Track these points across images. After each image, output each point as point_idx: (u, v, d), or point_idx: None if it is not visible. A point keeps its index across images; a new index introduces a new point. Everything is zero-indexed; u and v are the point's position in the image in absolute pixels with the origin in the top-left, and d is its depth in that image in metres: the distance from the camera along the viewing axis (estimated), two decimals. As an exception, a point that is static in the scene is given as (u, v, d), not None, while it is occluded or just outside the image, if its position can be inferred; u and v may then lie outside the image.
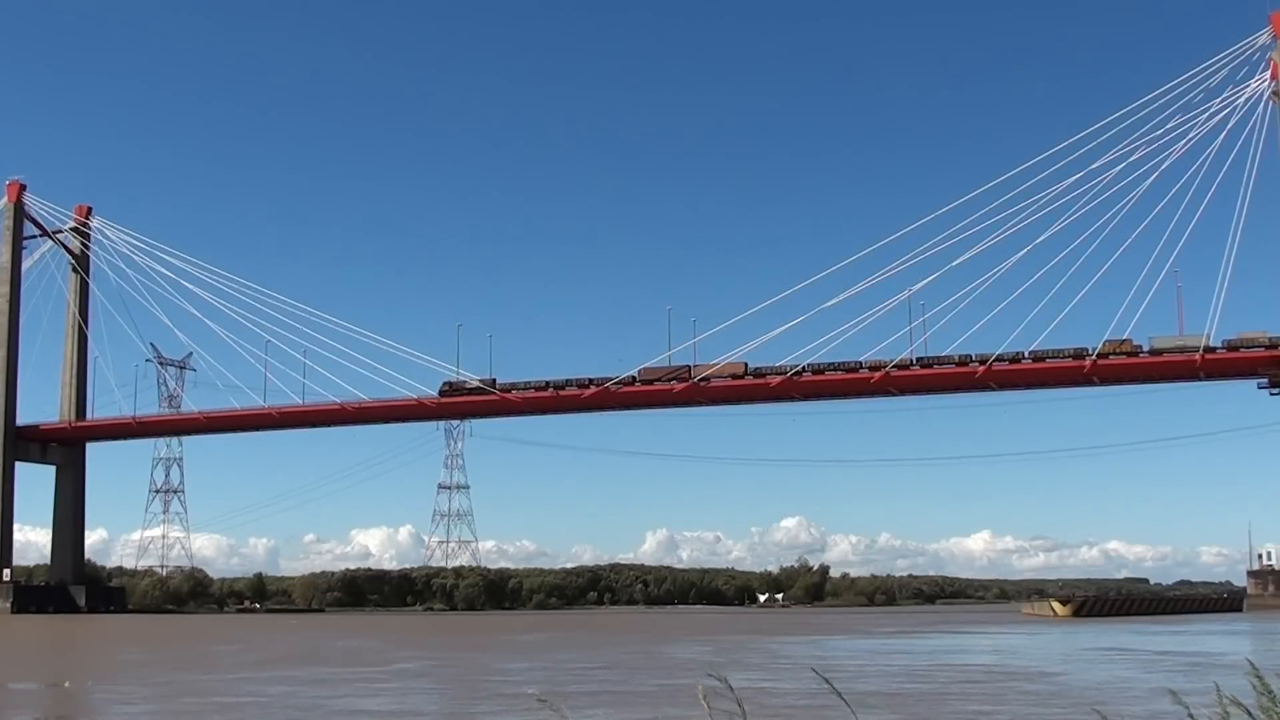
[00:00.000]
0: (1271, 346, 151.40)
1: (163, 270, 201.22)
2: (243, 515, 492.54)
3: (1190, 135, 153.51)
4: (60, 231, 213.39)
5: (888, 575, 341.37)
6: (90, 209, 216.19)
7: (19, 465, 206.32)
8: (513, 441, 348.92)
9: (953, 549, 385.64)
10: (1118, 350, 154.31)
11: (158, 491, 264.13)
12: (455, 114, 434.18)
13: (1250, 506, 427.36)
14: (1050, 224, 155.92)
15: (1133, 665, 66.02)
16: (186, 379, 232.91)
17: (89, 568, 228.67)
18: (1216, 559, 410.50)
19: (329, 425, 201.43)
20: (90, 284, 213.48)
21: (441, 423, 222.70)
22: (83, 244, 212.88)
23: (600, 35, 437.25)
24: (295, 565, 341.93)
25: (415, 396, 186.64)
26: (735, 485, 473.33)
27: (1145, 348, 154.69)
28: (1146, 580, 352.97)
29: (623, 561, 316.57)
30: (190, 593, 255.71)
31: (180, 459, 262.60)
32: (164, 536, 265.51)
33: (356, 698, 49.04)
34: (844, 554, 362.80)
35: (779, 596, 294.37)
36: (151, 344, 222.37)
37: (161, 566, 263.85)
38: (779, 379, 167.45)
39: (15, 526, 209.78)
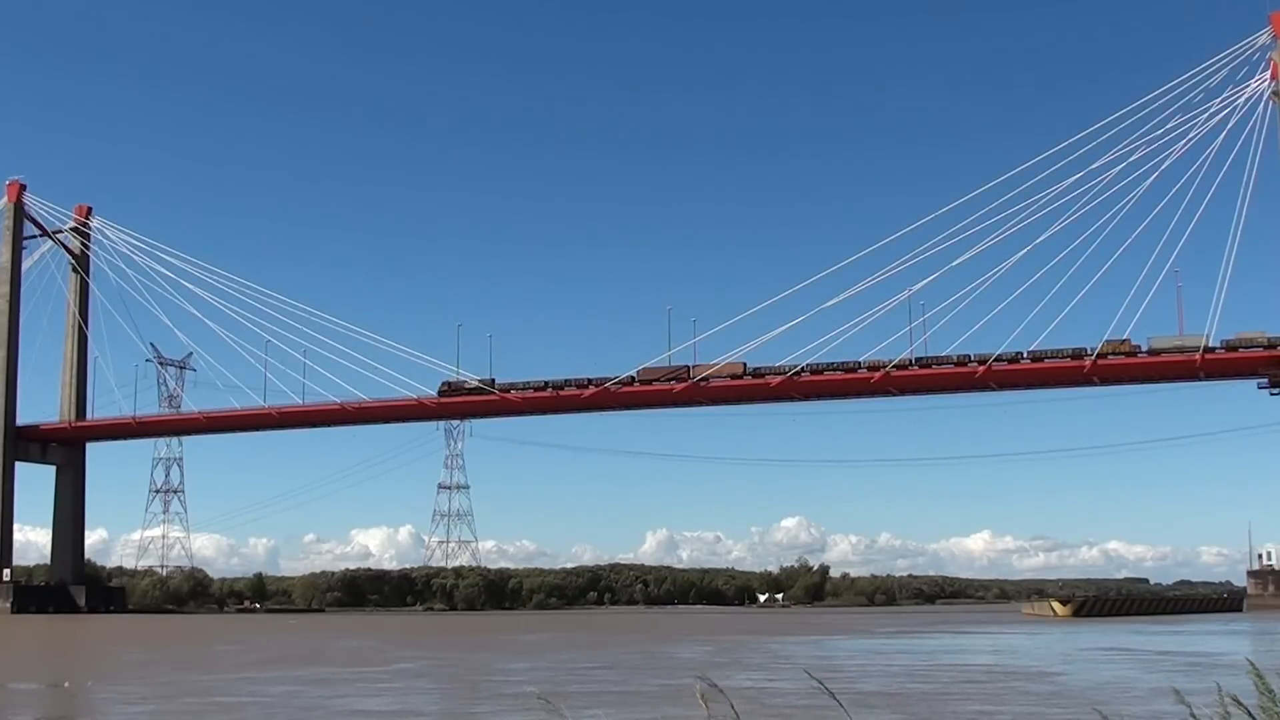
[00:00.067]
0: (1270, 346, 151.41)
1: (163, 270, 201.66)
2: (243, 515, 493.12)
3: (1190, 135, 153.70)
4: (60, 231, 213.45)
5: (888, 575, 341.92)
6: (90, 209, 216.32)
7: (19, 465, 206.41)
8: (513, 441, 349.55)
9: (953, 549, 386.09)
10: (1117, 350, 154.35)
11: (158, 491, 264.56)
12: (455, 114, 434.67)
13: (1250, 506, 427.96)
14: (1050, 224, 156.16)
15: (1133, 665, 66.04)
16: (186, 379, 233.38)
17: (89, 568, 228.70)
18: (1216, 559, 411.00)
19: (329, 425, 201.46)
20: (90, 284, 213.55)
21: (441, 423, 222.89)
22: (83, 244, 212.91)
23: (600, 35, 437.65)
24: (295, 565, 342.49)
25: (415, 396, 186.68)
26: (735, 485, 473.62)
27: (1144, 348, 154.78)
28: (1146, 580, 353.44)
29: (623, 561, 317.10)
30: (190, 593, 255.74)
31: (180, 459, 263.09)
32: (164, 536, 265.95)
33: (357, 697, 49.05)
34: (844, 554, 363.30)
35: (779, 596, 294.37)
36: (151, 344, 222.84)
37: (161, 566, 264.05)
38: (779, 379, 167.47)
39: (15, 526, 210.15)
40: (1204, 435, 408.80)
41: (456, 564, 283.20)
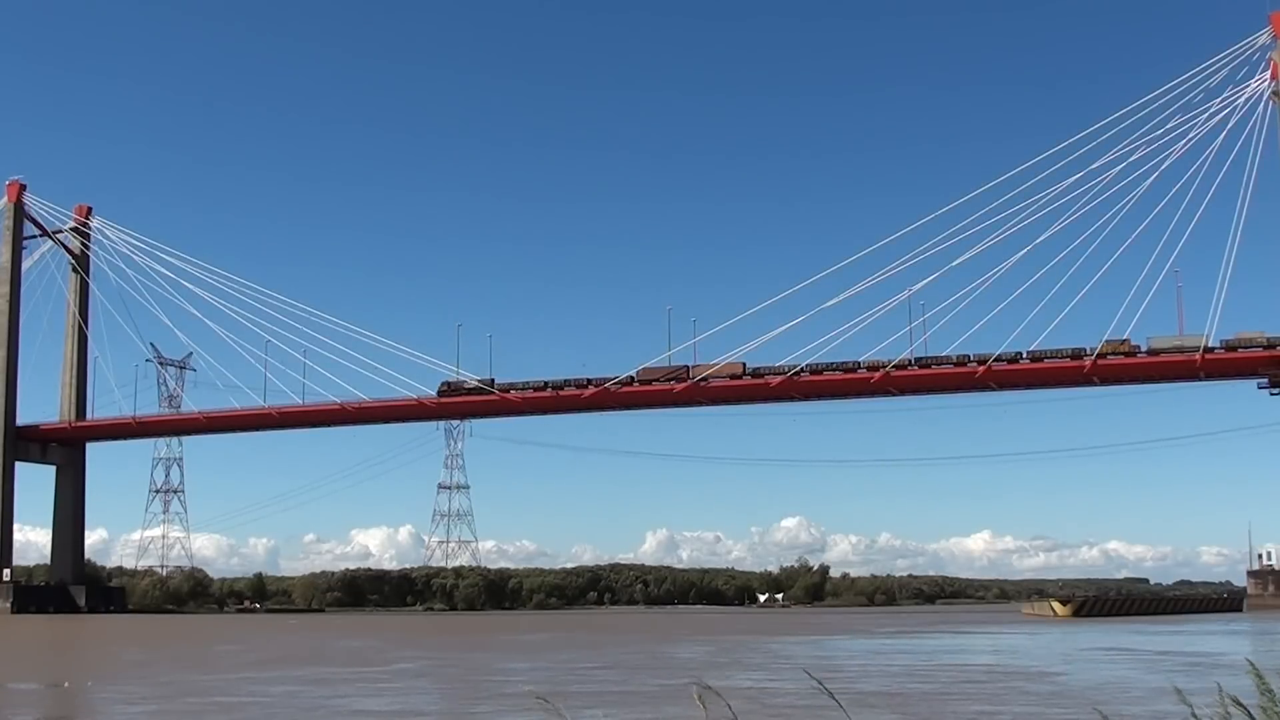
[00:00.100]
0: (1270, 347, 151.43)
1: (163, 270, 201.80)
2: (243, 515, 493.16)
3: (1190, 135, 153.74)
4: (60, 231, 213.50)
5: (888, 575, 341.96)
6: (90, 209, 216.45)
7: (19, 465, 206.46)
8: (513, 441, 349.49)
9: (953, 549, 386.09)
10: (1117, 350, 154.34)
11: (158, 491, 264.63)
12: (455, 114, 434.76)
13: (1250, 506, 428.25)
14: (1050, 224, 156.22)
15: (1133, 665, 66.05)
16: (186, 379, 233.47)
17: (89, 568, 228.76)
18: (1216, 559, 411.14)
19: (329, 425, 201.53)
20: (90, 284, 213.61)
21: (441, 423, 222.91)
22: (83, 244, 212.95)
23: (600, 35, 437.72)
24: (295, 565, 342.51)
25: (415, 396, 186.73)
26: (735, 485, 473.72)
27: (1143, 348, 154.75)
28: (1146, 580, 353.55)
29: (623, 561, 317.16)
30: (190, 593, 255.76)
31: (180, 459, 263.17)
32: (164, 536, 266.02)
33: (358, 697, 49.05)
34: (844, 554, 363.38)
35: (779, 596, 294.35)
36: (151, 344, 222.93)
37: (161, 566, 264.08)
38: (779, 379, 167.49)
39: (15, 526, 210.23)
40: (1204, 435, 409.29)
41: (456, 564, 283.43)
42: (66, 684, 57.80)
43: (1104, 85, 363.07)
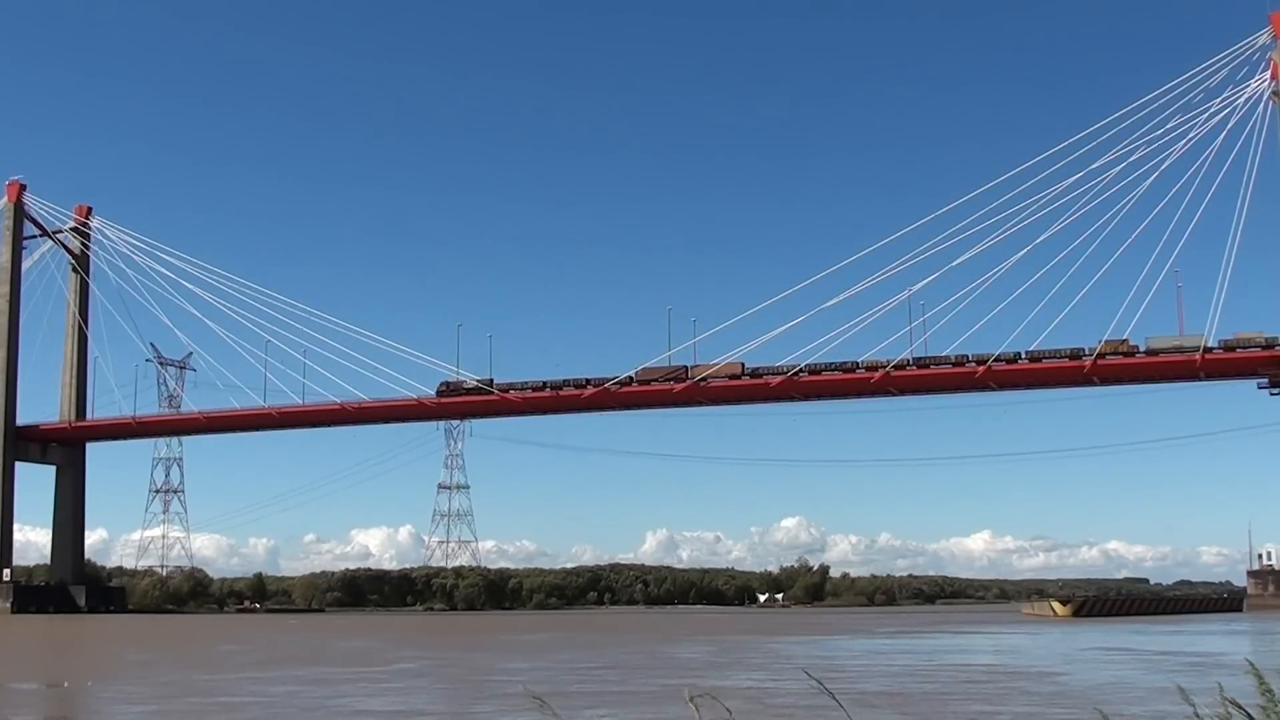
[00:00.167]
0: (1268, 346, 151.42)
1: (163, 270, 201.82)
2: (243, 515, 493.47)
3: (1190, 135, 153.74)
4: (60, 231, 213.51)
5: (888, 575, 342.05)
6: (90, 209, 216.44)
7: (19, 465, 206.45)
8: (513, 441, 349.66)
9: (953, 549, 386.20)
10: (1116, 350, 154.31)
11: (158, 491, 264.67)
12: (455, 114, 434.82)
13: (1250, 506, 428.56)
14: (1050, 224, 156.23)
15: (1134, 665, 66.07)
16: (186, 379, 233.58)
17: (89, 568, 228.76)
18: (1216, 559, 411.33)
19: (329, 425, 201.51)
20: (90, 284, 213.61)
21: (441, 423, 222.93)
22: (83, 244, 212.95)
23: (600, 36, 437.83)
24: (295, 565, 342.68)
25: (415, 396, 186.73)
26: (735, 485, 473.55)
27: (1142, 348, 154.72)
28: (1146, 580, 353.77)
29: (623, 561, 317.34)
30: (190, 593, 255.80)
31: (180, 459, 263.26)
32: (164, 536, 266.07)
33: (359, 697, 49.06)
34: (844, 554, 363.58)
35: (779, 596, 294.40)
36: (151, 344, 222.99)
37: (161, 566, 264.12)
38: (779, 379, 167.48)
39: (15, 526, 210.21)
40: (1204, 435, 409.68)
41: (456, 564, 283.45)
42: (66, 684, 57.82)
43: (1104, 85, 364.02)
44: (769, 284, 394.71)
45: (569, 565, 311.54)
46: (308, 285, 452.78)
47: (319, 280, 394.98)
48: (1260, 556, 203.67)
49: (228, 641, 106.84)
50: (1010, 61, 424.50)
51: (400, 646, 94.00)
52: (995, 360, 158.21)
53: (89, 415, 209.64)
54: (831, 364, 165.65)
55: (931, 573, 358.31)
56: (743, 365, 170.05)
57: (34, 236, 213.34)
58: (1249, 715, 9.04)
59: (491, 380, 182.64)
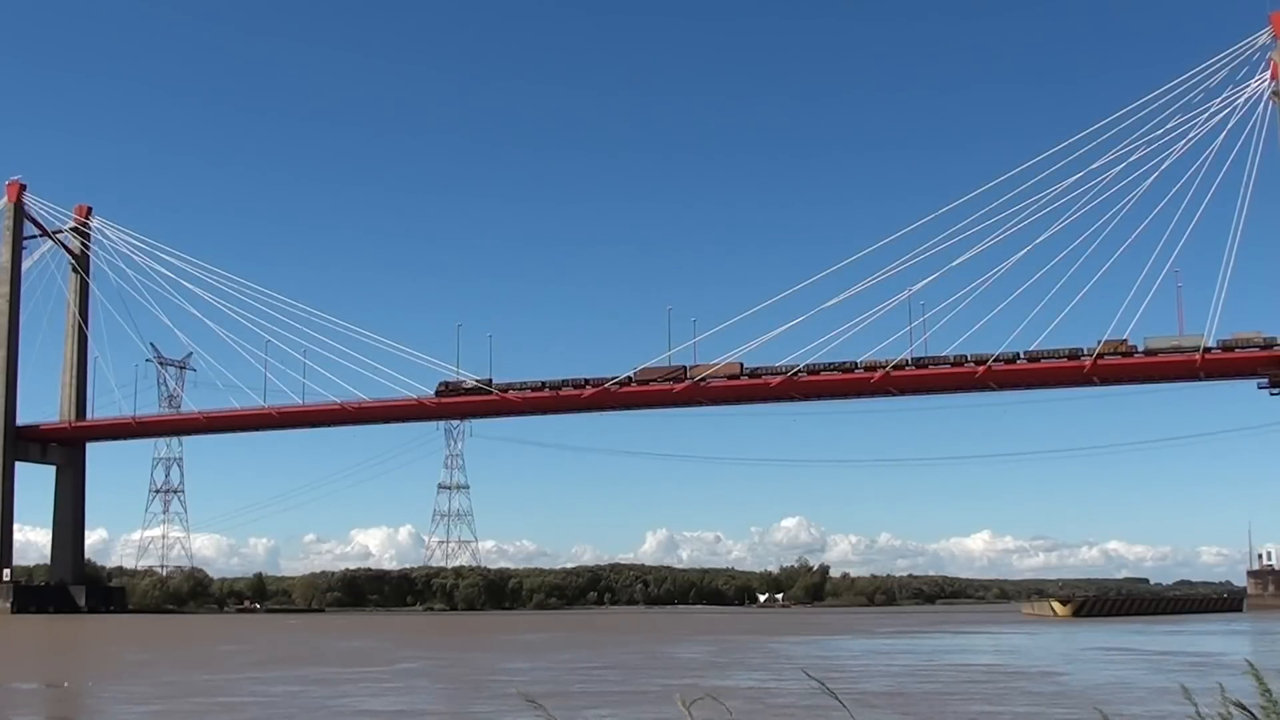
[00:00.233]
0: (1266, 347, 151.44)
1: (163, 270, 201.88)
2: (243, 515, 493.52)
3: (1190, 135, 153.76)
4: (60, 231, 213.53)
5: (888, 575, 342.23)
6: (90, 209, 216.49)
7: (19, 465, 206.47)
8: (512, 441, 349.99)
9: (953, 549, 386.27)
10: (1115, 350, 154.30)
11: (158, 491, 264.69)
12: (454, 114, 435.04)
13: (1250, 506, 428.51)
14: (1050, 224, 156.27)
15: (1135, 665, 66.09)
16: (186, 379, 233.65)
17: (89, 568, 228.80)
18: (1216, 559, 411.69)
19: (329, 425, 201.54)
20: (90, 284, 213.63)
21: (441, 423, 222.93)
22: (83, 244, 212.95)
23: (600, 35, 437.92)
24: (295, 565, 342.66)
25: (415, 396, 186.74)
26: (735, 485, 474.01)
27: (1140, 348, 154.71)
28: (1146, 580, 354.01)
29: (623, 561, 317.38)
30: (190, 593, 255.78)
31: (180, 459, 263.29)
32: (164, 536, 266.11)
33: (361, 697, 49.07)
34: (844, 554, 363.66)
35: (779, 596, 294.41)
36: (151, 344, 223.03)
37: (161, 566, 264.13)
38: (778, 379, 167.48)
39: (15, 526, 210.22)
40: (1204, 435, 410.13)
41: (456, 564, 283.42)
42: (67, 684, 57.82)
43: (1104, 85, 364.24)
44: (769, 284, 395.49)
45: (569, 565, 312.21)
46: (308, 285, 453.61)
47: (319, 280, 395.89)
48: (1260, 556, 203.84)
49: (228, 641, 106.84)
50: (1010, 61, 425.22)
51: (401, 646, 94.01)
52: (995, 360, 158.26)
53: (89, 415, 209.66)
54: (831, 364, 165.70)
55: (931, 573, 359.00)
56: (741, 365, 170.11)
57: (34, 236, 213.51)
58: (1254, 716, 9.05)
59: (490, 380, 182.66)
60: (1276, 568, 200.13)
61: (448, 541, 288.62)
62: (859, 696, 41.96)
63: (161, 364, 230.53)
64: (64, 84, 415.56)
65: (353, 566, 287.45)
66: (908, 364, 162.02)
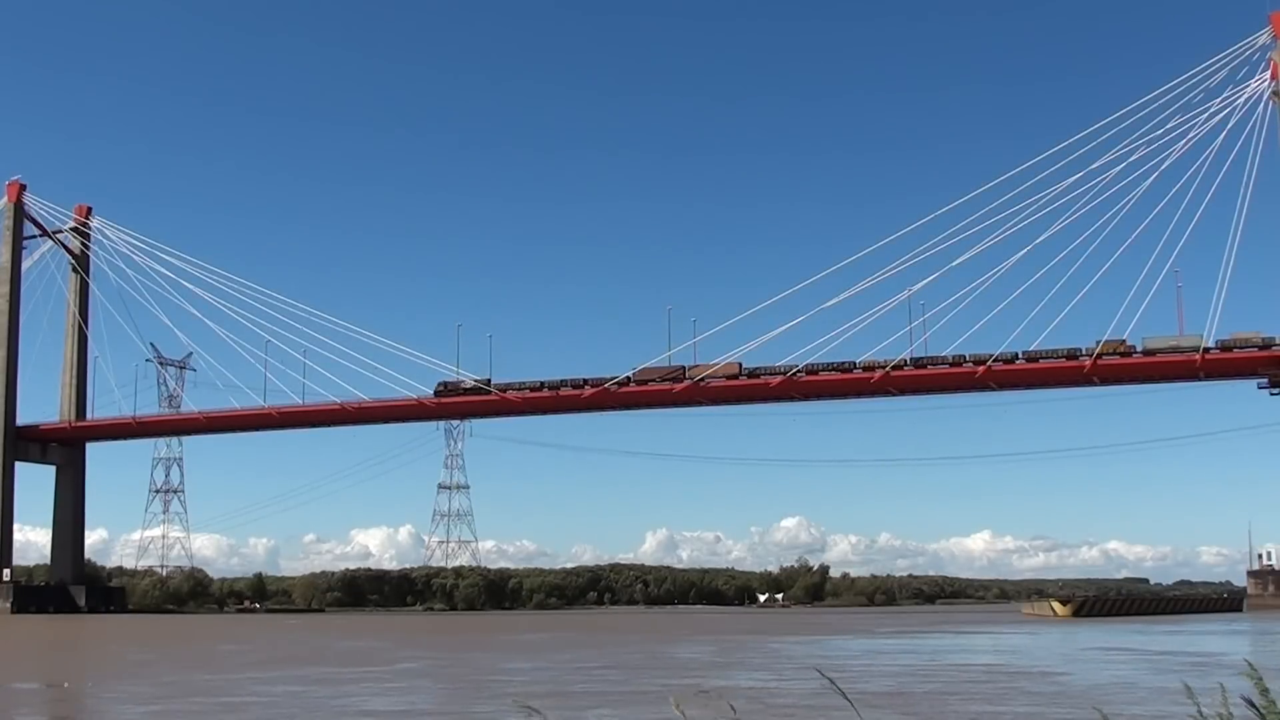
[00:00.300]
0: (1266, 347, 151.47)
1: (163, 270, 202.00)
2: (243, 515, 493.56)
3: (1190, 135, 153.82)
4: (60, 231, 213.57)
5: (888, 575, 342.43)
6: (90, 209, 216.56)
7: (19, 465, 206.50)
8: (512, 441, 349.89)
9: (953, 549, 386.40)
10: (1114, 350, 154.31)
11: (158, 491, 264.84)
12: (454, 114, 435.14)
13: (1250, 506, 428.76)
14: (1050, 224, 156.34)
15: (1135, 665, 66.12)
16: (186, 379, 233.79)
17: (89, 568, 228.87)
18: (1216, 559, 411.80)
19: (329, 425, 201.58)
20: (90, 284, 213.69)
21: (441, 423, 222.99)
22: (83, 244, 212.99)
23: (600, 35, 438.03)
24: (295, 565, 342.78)
25: (415, 396, 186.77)
26: (735, 485, 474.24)
27: (1139, 348, 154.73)
28: (1146, 580, 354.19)
29: (623, 561, 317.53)
30: (190, 593, 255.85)
31: (180, 459, 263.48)
32: (164, 536, 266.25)
33: (362, 697, 49.09)
34: (844, 554, 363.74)
35: (779, 596, 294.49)
36: (151, 344, 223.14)
37: (161, 566, 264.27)
38: (778, 379, 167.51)
39: (15, 526, 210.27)
40: (1204, 435, 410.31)
41: (456, 564, 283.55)
42: (67, 684, 57.84)
43: (1104, 85, 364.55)
44: (769, 284, 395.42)
45: (569, 565, 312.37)
46: (308, 285, 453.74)
47: (319, 280, 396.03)
48: (1260, 556, 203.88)
49: (228, 641, 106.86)
50: (1010, 61, 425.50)
51: (401, 646, 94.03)
52: (994, 360, 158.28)
53: (89, 415, 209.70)
54: (830, 364, 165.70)
55: (931, 573, 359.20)
56: (740, 365, 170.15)
57: (34, 236, 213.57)
58: (1261, 714, 9.06)
59: (490, 380, 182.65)
60: (1276, 568, 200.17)
61: (448, 541, 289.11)
62: (860, 696, 41.81)
63: (161, 364, 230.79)
64: (64, 84, 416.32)
65: (353, 566, 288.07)
66: (907, 364, 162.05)
